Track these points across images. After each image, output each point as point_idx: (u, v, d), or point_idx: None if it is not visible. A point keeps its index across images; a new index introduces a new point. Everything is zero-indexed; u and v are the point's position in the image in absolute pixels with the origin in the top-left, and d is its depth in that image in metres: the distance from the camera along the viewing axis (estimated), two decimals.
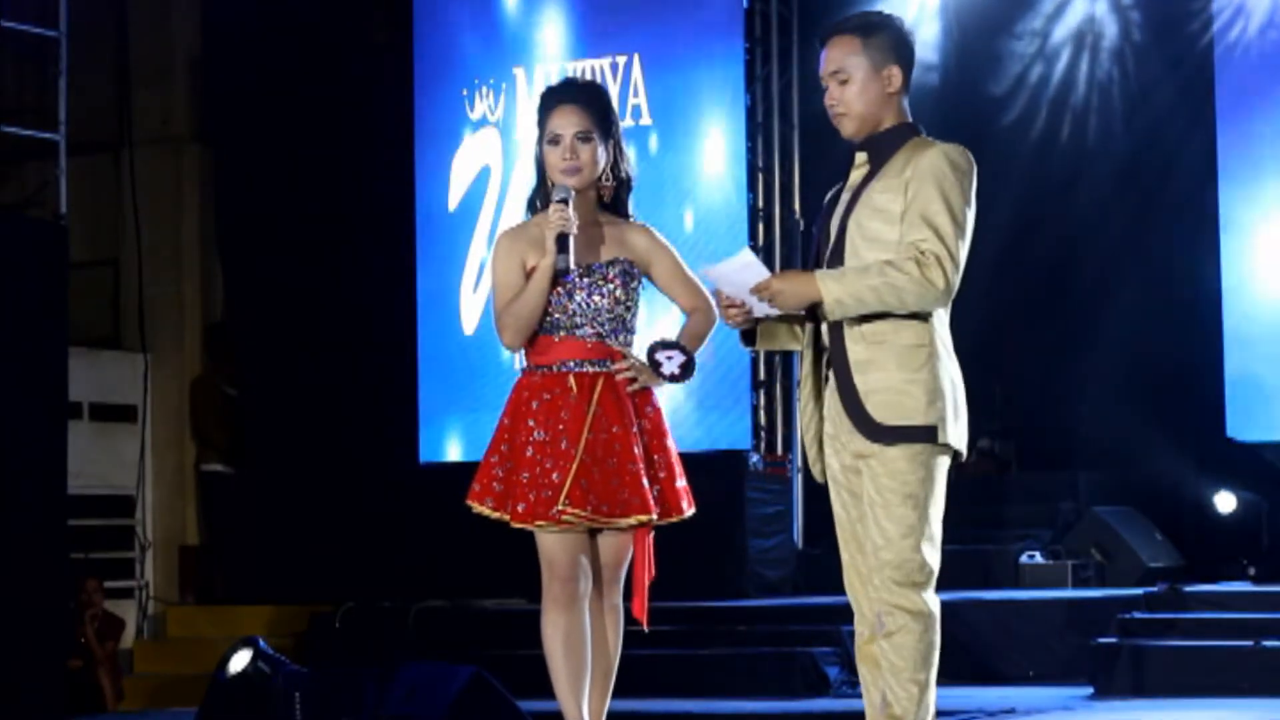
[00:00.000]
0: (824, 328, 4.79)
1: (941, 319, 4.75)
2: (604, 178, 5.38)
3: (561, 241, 5.23)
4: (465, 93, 12.05)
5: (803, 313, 4.78)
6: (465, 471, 5.49)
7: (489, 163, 11.94)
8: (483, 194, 11.92)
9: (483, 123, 11.99)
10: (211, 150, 13.36)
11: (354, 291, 12.61)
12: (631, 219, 5.46)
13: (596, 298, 5.31)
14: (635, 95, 11.38)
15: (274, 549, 12.43)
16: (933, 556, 4.69)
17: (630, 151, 5.55)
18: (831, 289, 4.62)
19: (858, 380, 4.68)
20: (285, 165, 12.92)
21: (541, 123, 5.36)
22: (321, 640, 11.26)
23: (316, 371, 12.73)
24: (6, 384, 9.90)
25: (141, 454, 12.82)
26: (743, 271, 4.73)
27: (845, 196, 4.81)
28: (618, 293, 5.33)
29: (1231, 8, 10.29)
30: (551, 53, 11.79)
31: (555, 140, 5.33)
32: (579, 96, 5.37)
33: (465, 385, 11.69)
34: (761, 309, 4.77)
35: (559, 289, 5.29)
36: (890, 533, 4.65)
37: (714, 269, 4.79)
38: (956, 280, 4.66)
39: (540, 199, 5.39)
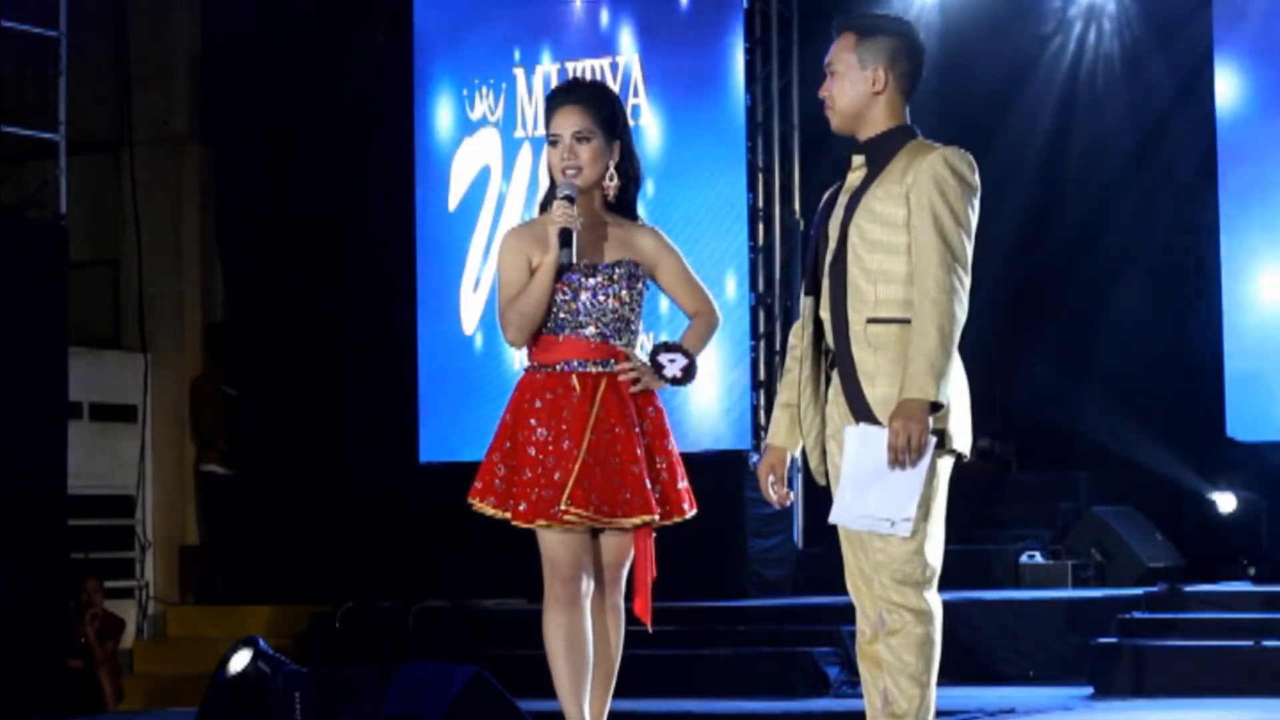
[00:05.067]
0: (828, 334, 4.79)
1: None
2: (608, 178, 5.38)
3: (564, 236, 5.23)
4: (465, 93, 12.04)
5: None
6: (466, 471, 5.49)
7: (489, 163, 11.93)
8: (482, 194, 11.92)
9: (483, 123, 11.98)
10: (211, 150, 13.36)
11: (354, 291, 12.61)
12: (639, 221, 5.47)
13: (601, 298, 5.31)
14: (635, 95, 11.38)
15: (274, 549, 12.42)
16: (934, 557, 4.71)
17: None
18: (930, 388, 4.55)
19: (866, 390, 4.68)
20: (285, 165, 12.91)
21: (546, 124, 5.38)
22: (321, 640, 11.28)
23: (316, 372, 12.73)
24: (6, 384, 9.90)
25: (141, 454, 12.81)
26: (864, 451, 4.62)
27: (843, 199, 4.81)
28: (622, 294, 5.33)
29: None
30: (551, 53, 11.78)
31: (555, 140, 5.34)
32: (580, 97, 5.37)
33: (465, 385, 11.68)
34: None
35: (564, 288, 5.29)
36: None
37: (847, 484, 4.66)
38: (968, 279, 4.66)
39: (548, 200, 5.39)
